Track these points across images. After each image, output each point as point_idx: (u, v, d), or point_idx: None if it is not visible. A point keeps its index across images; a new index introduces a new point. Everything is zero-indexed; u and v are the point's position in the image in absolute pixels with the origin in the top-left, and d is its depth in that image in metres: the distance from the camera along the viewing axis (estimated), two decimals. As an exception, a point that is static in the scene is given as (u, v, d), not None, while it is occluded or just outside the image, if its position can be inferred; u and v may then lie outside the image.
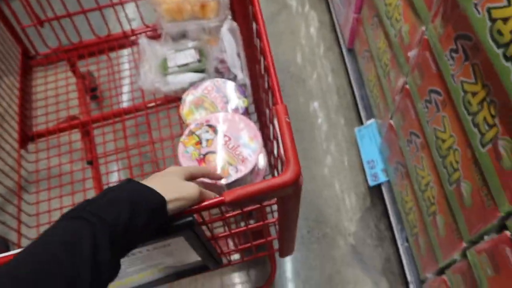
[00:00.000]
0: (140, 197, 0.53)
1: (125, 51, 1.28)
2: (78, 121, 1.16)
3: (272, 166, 0.83)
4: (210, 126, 0.79)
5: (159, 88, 1.00)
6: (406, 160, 1.11)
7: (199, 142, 0.77)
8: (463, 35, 0.76)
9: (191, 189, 0.58)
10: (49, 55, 1.21)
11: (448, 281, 0.93)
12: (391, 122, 1.19)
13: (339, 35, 1.69)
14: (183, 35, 1.07)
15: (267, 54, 0.63)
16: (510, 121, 0.64)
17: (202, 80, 0.97)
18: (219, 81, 0.92)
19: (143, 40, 1.04)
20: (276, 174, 0.75)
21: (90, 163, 1.19)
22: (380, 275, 1.30)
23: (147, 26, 1.24)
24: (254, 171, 0.75)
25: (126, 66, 1.29)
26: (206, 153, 0.75)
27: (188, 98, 0.91)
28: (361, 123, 1.49)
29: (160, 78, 1.00)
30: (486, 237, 0.75)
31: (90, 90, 1.37)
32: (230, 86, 0.91)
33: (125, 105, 1.21)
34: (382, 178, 1.30)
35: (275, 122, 0.57)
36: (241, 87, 0.92)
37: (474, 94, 0.74)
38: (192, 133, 0.79)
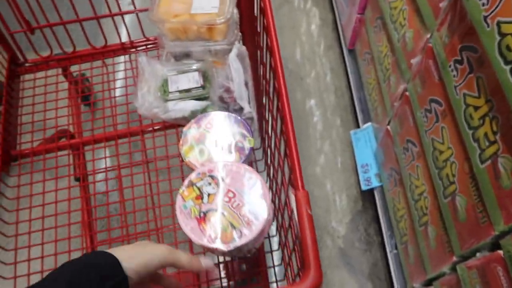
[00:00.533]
0: (86, 267, 0.50)
1: (122, 65, 1.17)
2: (67, 142, 1.05)
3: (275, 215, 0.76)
4: (212, 177, 0.70)
5: (158, 114, 0.92)
6: (400, 168, 1.09)
7: (200, 197, 0.68)
8: (469, 47, 0.74)
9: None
10: (39, 63, 1.12)
11: (436, 293, 0.92)
12: (388, 127, 1.18)
13: (341, 35, 1.67)
14: (186, 54, 0.98)
15: (289, 127, 0.54)
16: (512, 140, 0.63)
17: (205, 109, 0.90)
18: (224, 115, 0.83)
19: (142, 59, 0.95)
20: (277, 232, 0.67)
21: (78, 180, 1.10)
22: (366, 279, 1.29)
23: (148, 39, 1.14)
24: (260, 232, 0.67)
25: (122, 78, 1.16)
26: (207, 211, 0.66)
27: (190, 132, 0.82)
28: (357, 125, 1.48)
29: (159, 103, 0.91)
30: (478, 254, 0.74)
31: (83, 98, 1.28)
32: (235, 123, 0.82)
33: (119, 126, 1.09)
34: (375, 183, 1.29)
35: (294, 211, 0.51)
36: (247, 123, 0.83)
37: (476, 108, 0.72)
38: (192, 184, 0.70)
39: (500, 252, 0.67)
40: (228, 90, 0.89)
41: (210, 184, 0.69)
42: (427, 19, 0.91)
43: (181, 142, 0.81)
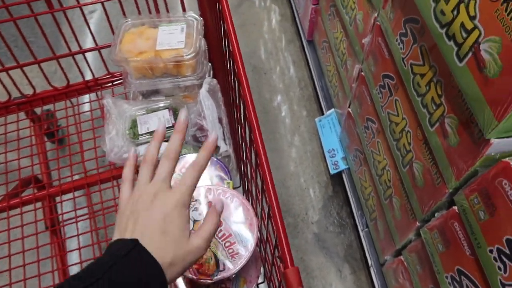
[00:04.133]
0: (128, 277, 0.42)
1: (87, 105, 1.09)
2: (33, 196, 0.96)
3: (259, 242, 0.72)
4: (200, 202, 0.66)
5: None
6: (363, 147, 1.13)
7: None
8: (411, 19, 0.78)
9: (196, 244, 0.48)
10: None
11: (405, 261, 0.95)
12: (349, 110, 1.21)
13: (300, 28, 1.70)
14: (155, 91, 0.93)
15: (269, 186, 0.49)
16: (455, 99, 0.66)
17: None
18: (186, 157, 0.79)
19: (108, 101, 0.89)
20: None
21: (47, 227, 1.02)
22: (343, 261, 1.32)
23: (113, 75, 1.09)
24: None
25: (89, 119, 1.08)
26: None
27: None
28: (322, 113, 1.51)
29: (129, 146, 0.85)
30: (437, 214, 0.77)
31: (50, 135, 1.19)
32: (212, 165, 0.77)
33: (90, 172, 1.00)
34: (343, 165, 1.32)
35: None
36: (224, 164, 0.79)
37: (422, 75, 0.76)
38: None
39: (455, 207, 0.70)
40: (201, 129, 0.86)
41: (196, 209, 0.65)
42: (373, -1, 0.95)
43: None
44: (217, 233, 0.62)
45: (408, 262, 0.94)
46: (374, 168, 1.07)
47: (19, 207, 0.94)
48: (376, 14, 0.95)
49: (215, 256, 0.61)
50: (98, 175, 0.98)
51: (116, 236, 0.47)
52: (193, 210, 0.64)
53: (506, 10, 0.50)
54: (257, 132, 0.50)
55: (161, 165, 0.51)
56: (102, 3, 0.94)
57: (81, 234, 0.94)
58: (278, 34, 1.83)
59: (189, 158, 0.78)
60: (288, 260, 0.44)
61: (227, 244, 0.62)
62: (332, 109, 1.42)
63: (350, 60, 1.17)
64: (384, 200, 1.03)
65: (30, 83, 1.04)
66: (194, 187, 0.50)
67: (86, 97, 1.13)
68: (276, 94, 1.67)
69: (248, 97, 0.52)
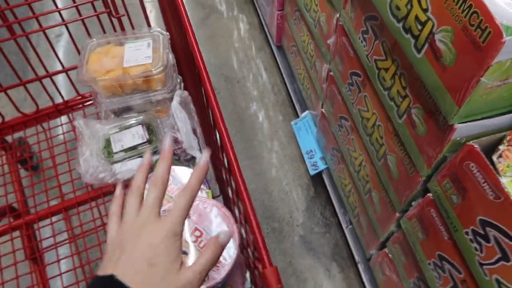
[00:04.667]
0: None
1: (59, 129, 1.07)
2: (8, 226, 0.94)
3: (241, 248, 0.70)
4: None
5: (105, 180, 0.84)
6: (340, 145, 1.15)
7: None
8: (370, 16, 0.80)
9: (187, 279, 0.44)
10: None
11: (389, 253, 0.97)
12: (323, 110, 1.23)
13: (268, 34, 1.73)
14: (127, 108, 0.92)
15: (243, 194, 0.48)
16: (418, 90, 0.68)
17: (155, 164, 0.84)
18: (175, 169, 0.78)
19: (79, 122, 0.88)
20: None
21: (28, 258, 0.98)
22: (330, 260, 1.33)
23: (83, 96, 1.08)
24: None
25: (62, 142, 1.07)
26: None
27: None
28: (297, 116, 1.53)
29: (104, 166, 0.84)
30: (413, 203, 0.79)
31: (24, 162, 1.17)
32: (188, 175, 0.75)
33: (66, 196, 0.99)
34: (322, 166, 1.33)
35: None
36: None
37: (386, 70, 0.78)
38: None
39: (429, 195, 0.72)
40: (176, 141, 0.85)
41: None
42: (334, 0, 0.97)
43: None
44: (198, 243, 0.62)
45: (392, 254, 0.96)
46: (351, 165, 1.09)
47: (-3, 237, 0.92)
48: (338, 15, 0.97)
49: None
50: (75, 198, 0.97)
51: (100, 269, 0.45)
52: None
53: (454, 1, 0.53)
54: (226, 139, 0.50)
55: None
56: (66, 25, 0.94)
57: (62, 259, 0.92)
58: (247, 43, 1.85)
59: (175, 169, 0.77)
60: (266, 260, 0.43)
61: None
62: (307, 111, 1.43)
63: (318, 61, 1.19)
64: (364, 195, 1.05)
65: (-2, 111, 1.02)
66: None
67: (57, 121, 1.11)
68: (251, 102, 1.68)
69: (215, 105, 0.53)
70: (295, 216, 1.42)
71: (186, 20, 0.62)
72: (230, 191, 0.68)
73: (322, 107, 1.24)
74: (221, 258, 0.62)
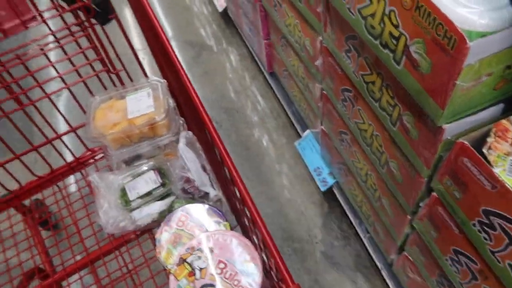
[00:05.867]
0: None
1: (73, 186, 1.11)
2: (39, 287, 0.97)
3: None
4: (201, 250, 0.68)
5: (126, 228, 0.89)
6: (344, 158, 1.18)
7: (193, 273, 0.66)
8: (350, 36, 0.86)
9: None
10: None
11: (409, 255, 0.99)
12: (322, 127, 1.28)
13: (259, 63, 1.79)
14: (136, 156, 0.96)
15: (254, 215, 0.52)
16: (405, 98, 0.73)
17: (171, 205, 0.89)
18: (191, 208, 0.82)
19: (93, 177, 0.93)
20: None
21: None
22: (355, 272, 1.35)
23: (93, 151, 1.12)
24: None
25: (79, 198, 1.11)
26: (202, 287, 0.65)
27: (163, 237, 0.79)
28: (300, 137, 1.57)
29: (124, 215, 0.88)
30: (421, 204, 0.82)
31: (44, 223, 1.20)
32: (204, 212, 0.80)
33: (91, 249, 1.02)
34: (331, 181, 1.37)
35: None
36: (217, 209, 0.82)
37: (373, 83, 0.83)
38: (182, 261, 0.68)
39: (434, 193, 0.75)
40: (188, 181, 0.88)
41: (200, 258, 0.67)
42: (314, 25, 1.03)
43: (157, 249, 0.78)
44: (223, 274, 0.65)
45: (411, 255, 0.98)
46: (358, 175, 1.13)
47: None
48: (320, 38, 1.03)
49: None
50: (100, 249, 1.00)
51: None
52: (196, 260, 0.68)
53: (420, 15, 0.58)
54: (235, 173, 0.55)
55: None
56: (69, 88, 1.00)
57: None
58: (241, 73, 1.92)
59: (182, 211, 0.80)
60: (288, 279, 0.47)
61: (236, 282, 0.64)
62: (308, 130, 1.48)
63: (310, 82, 1.25)
64: (375, 203, 1.08)
65: (14, 178, 1.07)
66: None
67: (70, 178, 1.16)
68: (253, 129, 1.73)
69: (220, 144, 0.57)
70: (313, 234, 1.44)
71: (179, 66, 0.68)
72: (246, 220, 0.72)
73: (321, 125, 1.29)
74: (247, 285, 0.65)
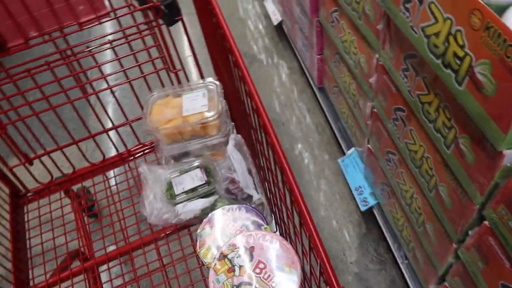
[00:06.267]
0: None
1: (123, 176, 1.16)
2: (81, 267, 1.02)
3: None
4: (243, 249, 0.70)
5: (169, 220, 0.92)
6: (388, 179, 1.16)
7: (232, 269, 0.68)
8: (409, 55, 0.85)
9: None
10: (41, 191, 1.13)
11: (450, 286, 0.95)
12: (369, 146, 1.26)
13: (309, 77, 1.81)
14: (185, 153, 1.01)
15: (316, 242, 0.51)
16: (463, 120, 0.71)
17: (214, 204, 0.91)
18: (234, 208, 0.83)
19: (143, 168, 0.97)
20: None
21: None
22: (389, 298, 1.30)
23: (144, 144, 1.17)
24: None
25: (126, 188, 1.16)
26: (240, 284, 0.65)
27: (204, 233, 0.81)
28: (343, 154, 1.56)
29: (168, 208, 0.92)
30: (470, 232, 0.79)
31: (88, 209, 1.25)
32: (247, 214, 0.82)
33: (131, 238, 1.06)
34: (372, 201, 1.34)
35: None
36: (259, 211, 0.83)
37: (429, 103, 0.81)
38: (223, 257, 0.69)
39: (486, 222, 0.72)
40: (233, 181, 0.91)
41: (240, 256, 0.69)
42: (372, 42, 1.03)
43: (197, 245, 0.80)
44: (262, 275, 0.66)
45: (453, 287, 0.94)
46: (402, 198, 1.10)
47: (70, 279, 0.99)
48: (377, 55, 1.03)
49: None
50: (141, 239, 1.03)
51: None
52: (237, 257, 0.69)
53: (489, 36, 0.57)
54: (289, 172, 0.55)
55: None
56: (130, 83, 1.05)
57: None
58: (289, 87, 1.94)
59: (224, 210, 0.81)
60: (334, 281, 0.47)
61: (273, 284, 0.65)
62: (353, 148, 1.47)
63: (361, 99, 1.24)
64: (418, 228, 1.05)
65: (70, 162, 1.14)
66: None
67: (120, 169, 1.21)
68: (296, 143, 1.74)
69: (276, 144, 0.58)
70: (348, 254, 1.42)
71: (244, 69, 0.70)
72: (290, 225, 0.72)
73: (368, 143, 1.27)
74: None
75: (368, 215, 1.45)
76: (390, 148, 1.09)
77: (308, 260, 0.61)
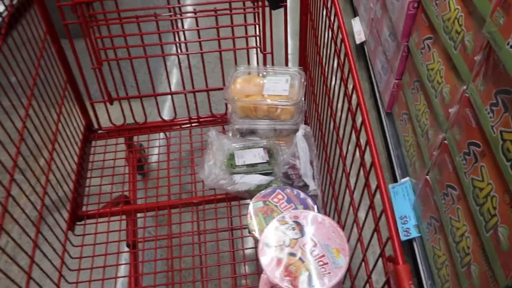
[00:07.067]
0: None
1: (183, 139, 1.22)
2: (120, 208, 1.09)
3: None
4: (297, 223, 0.71)
5: (224, 186, 0.96)
6: (440, 214, 1.14)
7: (282, 241, 0.69)
8: (503, 90, 0.84)
9: None
10: (111, 131, 1.21)
11: (481, 333, 0.92)
12: (428, 177, 1.24)
13: (378, 100, 1.80)
14: (252, 132, 1.04)
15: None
16: (548, 162, 0.70)
17: (269, 183, 0.95)
18: (290, 190, 0.86)
19: (212, 133, 1.02)
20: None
21: (128, 246, 1.15)
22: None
23: (214, 116, 1.22)
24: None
25: (185, 150, 1.20)
26: (288, 255, 0.67)
27: (257, 205, 0.84)
28: (395, 181, 1.54)
29: (225, 175, 0.95)
30: (523, 279, 0.77)
31: (137, 166, 1.31)
32: (302, 198, 0.85)
33: (173, 197, 1.11)
34: (414, 233, 1.32)
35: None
36: (313, 199, 0.86)
37: (512, 141, 0.80)
38: (277, 227, 0.71)
39: (545, 271, 0.70)
40: (293, 167, 0.94)
41: (294, 229, 0.70)
42: (462, 74, 1.03)
43: (248, 215, 0.83)
44: (311, 251, 0.67)
45: (485, 334, 0.91)
46: (451, 235, 1.08)
47: (119, 215, 1.07)
48: (464, 87, 1.02)
49: (308, 273, 0.65)
50: (180, 200, 1.09)
51: None
52: (290, 230, 0.70)
53: None
54: (378, 165, 0.57)
55: None
56: (220, 52, 1.11)
57: (158, 259, 1.02)
58: (355, 105, 1.94)
59: (278, 192, 0.85)
60: (400, 257, 0.48)
61: (320, 263, 0.66)
62: (407, 178, 1.45)
63: (431, 129, 1.23)
64: (460, 268, 1.02)
65: (144, 112, 1.21)
66: None
67: (183, 132, 1.27)
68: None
69: (372, 140, 0.60)
70: (376, 284, 1.39)
71: (349, 49, 0.72)
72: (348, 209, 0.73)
73: (427, 174, 1.26)
74: (330, 270, 0.65)
75: (405, 247, 1.42)
76: (451, 182, 1.08)
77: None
